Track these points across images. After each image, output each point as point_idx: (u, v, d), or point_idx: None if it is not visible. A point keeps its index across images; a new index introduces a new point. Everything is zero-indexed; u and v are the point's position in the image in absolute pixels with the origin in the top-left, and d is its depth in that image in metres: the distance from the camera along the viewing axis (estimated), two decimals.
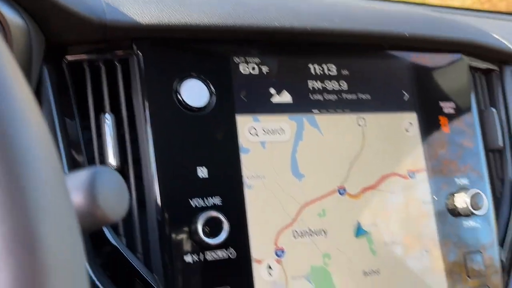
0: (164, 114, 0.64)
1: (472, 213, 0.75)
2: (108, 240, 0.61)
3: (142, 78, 0.64)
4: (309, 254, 0.67)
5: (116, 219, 0.42)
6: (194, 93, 0.65)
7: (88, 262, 0.59)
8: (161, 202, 0.61)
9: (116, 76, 0.66)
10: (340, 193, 0.71)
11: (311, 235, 0.68)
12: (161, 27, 0.64)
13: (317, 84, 0.74)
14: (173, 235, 0.61)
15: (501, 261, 0.80)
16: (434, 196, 0.76)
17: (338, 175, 0.72)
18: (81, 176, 0.37)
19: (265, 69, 0.71)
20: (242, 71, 0.69)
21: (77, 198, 0.36)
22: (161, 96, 0.64)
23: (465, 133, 0.82)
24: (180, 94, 0.65)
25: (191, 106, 0.65)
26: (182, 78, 0.65)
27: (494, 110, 0.87)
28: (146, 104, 0.63)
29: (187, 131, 0.64)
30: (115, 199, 0.42)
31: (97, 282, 0.60)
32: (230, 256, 0.62)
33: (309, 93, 0.73)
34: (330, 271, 0.68)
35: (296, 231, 0.67)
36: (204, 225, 0.60)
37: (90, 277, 0.59)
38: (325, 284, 0.67)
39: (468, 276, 0.75)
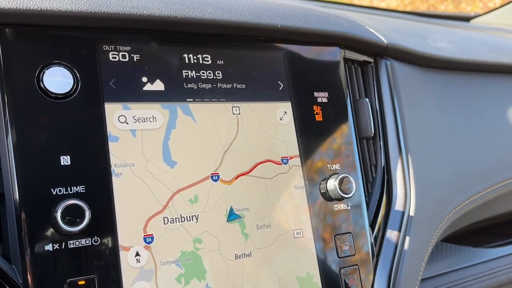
0: (24, 102, 0.62)
1: (342, 197, 0.80)
2: None
3: (0, 66, 0.62)
4: (179, 239, 0.68)
5: None
6: (58, 80, 0.64)
7: None
8: (19, 191, 0.60)
9: None
10: (213, 180, 0.73)
11: (182, 221, 0.69)
12: (21, 13, 0.63)
13: (192, 73, 0.75)
14: (32, 224, 0.59)
15: (371, 242, 0.85)
16: (306, 181, 0.80)
17: (211, 162, 0.73)
18: None
19: (136, 57, 0.71)
20: (111, 58, 0.69)
21: None
22: (21, 83, 0.63)
23: (338, 122, 0.86)
24: (42, 82, 0.63)
25: (55, 94, 0.64)
26: (45, 65, 0.64)
27: (367, 100, 0.92)
28: (5, 91, 0.62)
29: (50, 119, 0.63)
30: None
31: None
32: (94, 243, 0.62)
33: (184, 82, 0.74)
34: (200, 255, 0.69)
35: (166, 218, 0.68)
36: (64, 213, 0.59)
37: None
38: (195, 268, 0.69)
39: (338, 256, 0.80)
